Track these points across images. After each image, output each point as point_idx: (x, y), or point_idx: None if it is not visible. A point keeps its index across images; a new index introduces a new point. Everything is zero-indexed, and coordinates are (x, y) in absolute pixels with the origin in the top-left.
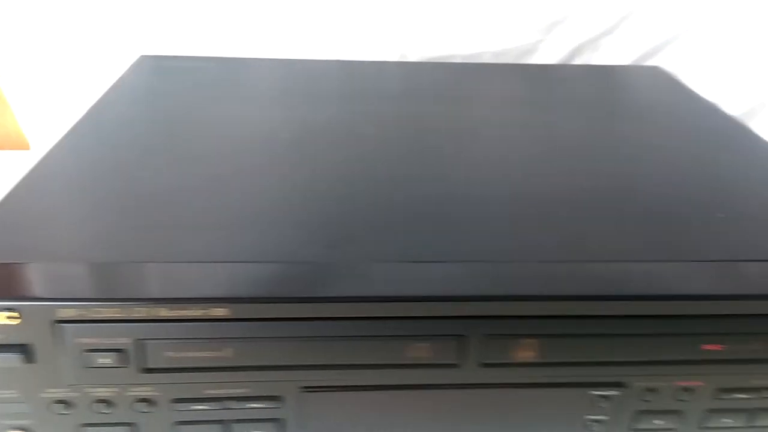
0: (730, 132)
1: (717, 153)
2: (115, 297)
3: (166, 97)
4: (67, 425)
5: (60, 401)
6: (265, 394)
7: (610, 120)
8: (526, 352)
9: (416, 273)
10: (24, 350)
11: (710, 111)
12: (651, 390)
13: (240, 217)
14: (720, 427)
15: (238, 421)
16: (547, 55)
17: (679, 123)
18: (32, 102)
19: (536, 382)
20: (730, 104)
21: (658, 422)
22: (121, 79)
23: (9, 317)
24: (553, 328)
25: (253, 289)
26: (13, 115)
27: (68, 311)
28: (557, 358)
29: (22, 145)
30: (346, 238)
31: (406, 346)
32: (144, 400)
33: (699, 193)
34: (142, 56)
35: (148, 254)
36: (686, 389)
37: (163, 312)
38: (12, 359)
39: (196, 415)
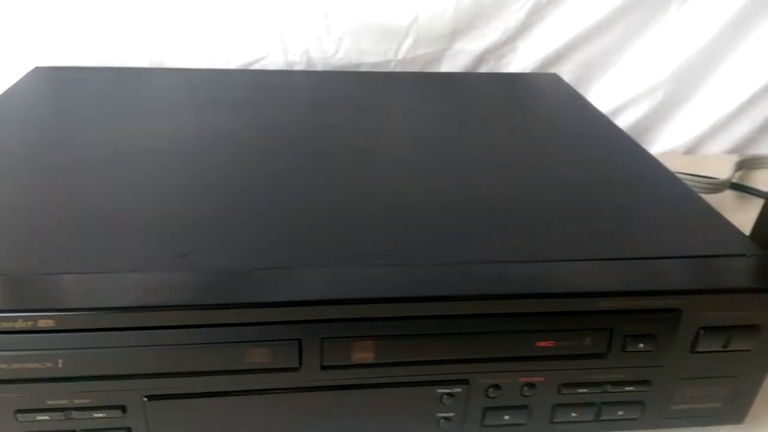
0: (609, 138)
1: (588, 157)
2: None
3: (52, 106)
4: None
5: None
6: (107, 404)
7: (500, 125)
8: (364, 354)
9: (254, 279)
10: None
11: (595, 118)
12: (495, 386)
13: (81, 228)
14: (570, 421)
15: (86, 430)
16: (453, 63)
17: (564, 128)
18: None
19: (380, 383)
20: (625, 114)
21: (507, 418)
22: (11, 89)
23: None
24: (389, 329)
25: (80, 299)
26: None
27: None
28: (396, 358)
29: None
30: (189, 247)
31: (246, 351)
32: None
33: (554, 196)
34: (36, 67)
35: None
36: (529, 385)
37: None
38: None
39: (43, 425)
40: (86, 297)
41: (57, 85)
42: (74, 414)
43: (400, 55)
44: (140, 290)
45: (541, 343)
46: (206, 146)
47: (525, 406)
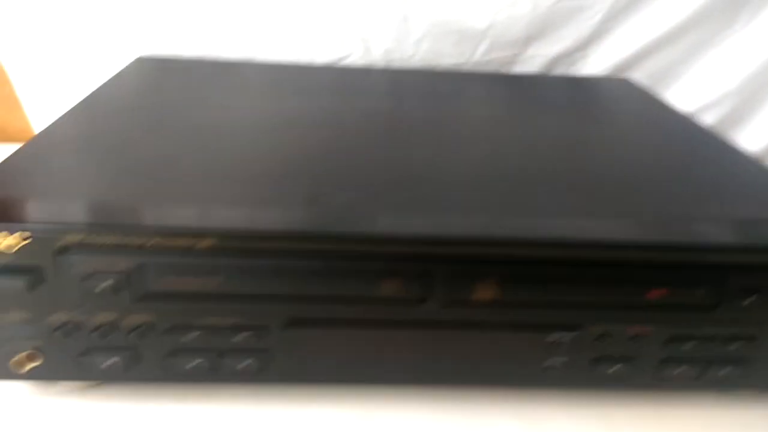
0: (697, 130)
1: (667, 140)
2: (116, 225)
3: (158, 90)
4: (73, 349)
5: (65, 324)
6: (251, 324)
7: (589, 119)
8: (487, 292)
9: (392, 218)
10: (33, 273)
11: (677, 115)
12: (604, 335)
13: (219, 177)
14: (675, 376)
15: (228, 350)
16: (525, 67)
17: (654, 122)
18: (41, 100)
19: (497, 323)
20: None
21: (614, 369)
22: (117, 76)
23: (20, 239)
24: (511, 270)
25: (239, 223)
26: (24, 112)
27: (74, 237)
28: (515, 299)
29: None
30: (332, 193)
31: (379, 281)
32: (141, 326)
33: (664, 172)
34: (139, 57)
35: (147, 195)
36: (637, 336)
37: (158, 241)
38: (20, 282)
39: (190, 343)
40: (243, 222)
41: (162, 73)
42: (220, 334)
43: (475, 58)
44: (289, 220)
45: (652, 294)
46: (312, 122)
47: (632, 358)
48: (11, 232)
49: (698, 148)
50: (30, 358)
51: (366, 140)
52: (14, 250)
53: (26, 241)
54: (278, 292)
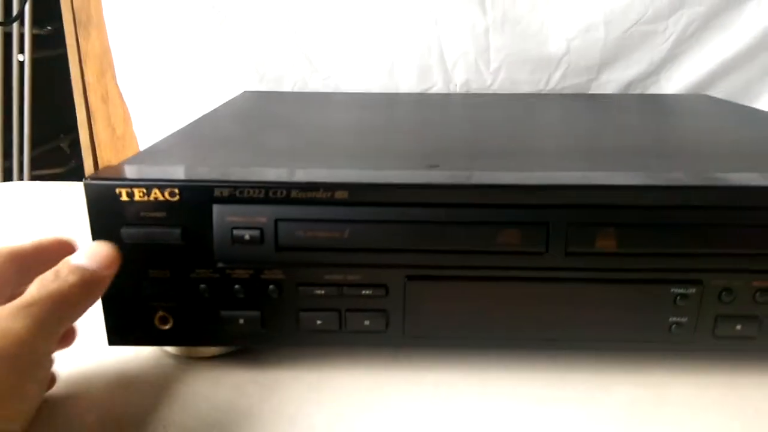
0: None
1: None
2: (260, 181)
3: (272, 109)
4: (205, 310)
5: (204, 282)
6: (374, 282)
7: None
8: (607, 241)
9: (509, 176)
10: (181, 228)
11: None
12: (728, 290)
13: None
14: None
15: (350, 310)
16: (599, 92)
17: (744, 119)
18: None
19: (619, 278)
20: None
21: (739, 328)
22: (228, 102)
23: (170, 194)
24: (630, 218)
25: (368, 179)
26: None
27: (223, 191)
28: (636, 248)
29: None
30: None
31: (498, 232)
32: (274, 282)
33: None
34: (244, 91)
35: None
36: (762, 290)
37: (296, 194)
38: (173, 236)
39: (316, 302)
40: (372, 178)
41: (271, 99)
42: (345, 290)
43: (550, 85)
44: (414, 176)
45: None
46: (412, 125)
47: (756, 317)
48: (162, 190)
49: None
50: (161, 321)
51: (461, 130)
52: (172, 201)
53: (177, 197)
54: (400, 245)
